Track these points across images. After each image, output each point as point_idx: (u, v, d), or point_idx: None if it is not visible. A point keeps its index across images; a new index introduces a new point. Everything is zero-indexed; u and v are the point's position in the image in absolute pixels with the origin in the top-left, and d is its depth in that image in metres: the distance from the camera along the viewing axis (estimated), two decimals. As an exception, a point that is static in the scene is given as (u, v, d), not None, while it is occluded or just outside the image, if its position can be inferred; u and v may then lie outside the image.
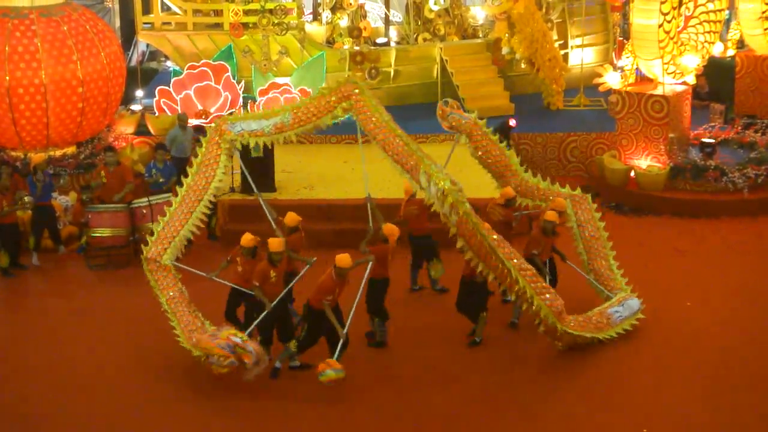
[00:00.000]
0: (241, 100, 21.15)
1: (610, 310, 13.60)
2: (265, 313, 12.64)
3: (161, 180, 17.05)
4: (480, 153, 14.63)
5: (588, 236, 14.44)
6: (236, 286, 13.26)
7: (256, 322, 12.71)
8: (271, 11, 21.36)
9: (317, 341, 12.61)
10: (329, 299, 12.34)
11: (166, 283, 13.22)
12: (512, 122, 19.69)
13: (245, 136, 13.68)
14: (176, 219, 13.55)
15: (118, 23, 28.00)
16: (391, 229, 13.22)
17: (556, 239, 14.03)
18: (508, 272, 12.37)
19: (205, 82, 21.00)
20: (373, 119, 13.10)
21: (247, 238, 13.19)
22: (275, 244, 12.74)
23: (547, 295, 12.53)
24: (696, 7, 19.26)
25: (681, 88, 18.99)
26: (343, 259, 12.34)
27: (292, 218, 13.56)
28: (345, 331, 12.34)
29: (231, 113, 20.64)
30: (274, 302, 12.66)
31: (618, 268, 14.49)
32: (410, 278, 15.14)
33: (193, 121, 20.03)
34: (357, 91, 13.28)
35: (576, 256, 14.51)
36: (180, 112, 19.87)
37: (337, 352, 12.25)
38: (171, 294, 13.15)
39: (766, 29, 20.94)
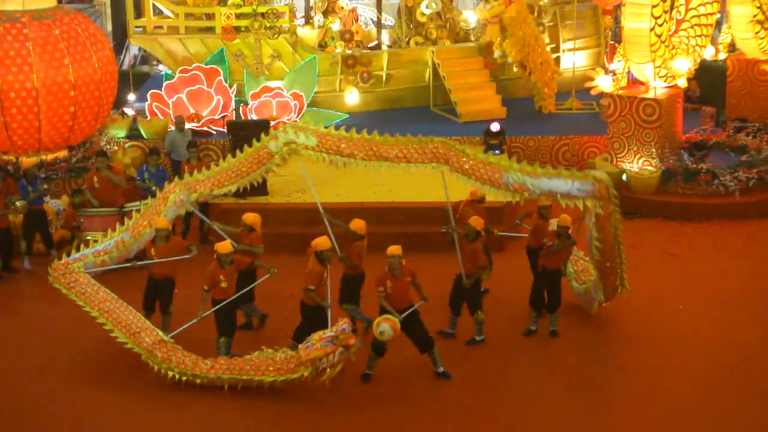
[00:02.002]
0: (233, 103, 21.13)
1: None
2: (329, 311, 12.76)
3: (153, 187, 16.99)
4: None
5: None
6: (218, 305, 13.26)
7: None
8: (263, 15, 21.33)
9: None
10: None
11: (184, 357, 12.79)
12: (493, 126, 19.63)
13: (90, 257, 14.02)
14: (119, 309, 13.54)
15: (109, 27, 28.03)
16: (253, 218, 13.89)
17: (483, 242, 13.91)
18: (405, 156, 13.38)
19: (197, 86, 20.97)
20: (211, 168, 14.17)
21: (225, 245, 13.26)
22: (324, 242, 12.95)
23: None
24: (687, 10, 19.34)
25: (672, 91, 19.05)
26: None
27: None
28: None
29: (223, 117, 20.67)
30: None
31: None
32: None
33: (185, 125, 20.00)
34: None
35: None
36: (177, 115, 19.89)
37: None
38: (208, 363, 12.67)
39: (757, 33, 21.01)
